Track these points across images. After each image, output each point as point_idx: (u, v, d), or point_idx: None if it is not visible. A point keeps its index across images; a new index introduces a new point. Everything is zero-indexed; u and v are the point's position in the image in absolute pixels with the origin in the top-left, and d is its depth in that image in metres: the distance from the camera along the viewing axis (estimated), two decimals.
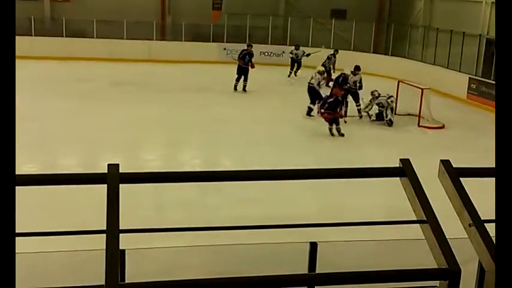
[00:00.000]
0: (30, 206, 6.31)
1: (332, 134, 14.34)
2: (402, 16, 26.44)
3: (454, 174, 2.63)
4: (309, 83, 16.60)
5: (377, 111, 15.93)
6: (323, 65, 20.38)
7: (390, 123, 15.64)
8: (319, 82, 16.52)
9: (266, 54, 26.02)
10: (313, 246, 3.31)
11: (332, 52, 22.03)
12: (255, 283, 2.26)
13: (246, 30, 26.10)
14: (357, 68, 16.93)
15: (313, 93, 16.32)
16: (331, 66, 21.41)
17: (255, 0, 26.52)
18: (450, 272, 2.29)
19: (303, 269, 3.31)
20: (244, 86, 19.37)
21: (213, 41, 25.94)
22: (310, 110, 16.13)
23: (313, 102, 16.17)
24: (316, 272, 3.24)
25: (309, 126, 15.18)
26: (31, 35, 23.81)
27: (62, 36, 24.63)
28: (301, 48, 22.86)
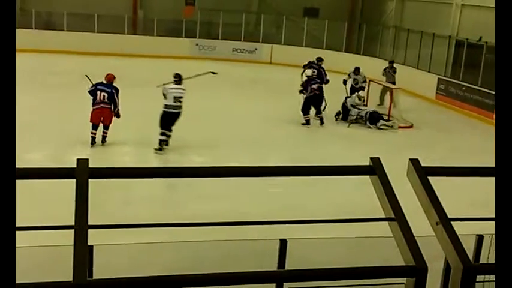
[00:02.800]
0: None
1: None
2: (374, 16, 26.69)
3: (422, 172, 2.67)
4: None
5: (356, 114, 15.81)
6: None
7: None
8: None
9: (238, 51, 26.03)
10: (283, 243, 3.32)
11: (387, 65, 19.15)
12: (223, 279, 2.26)
13: (219, 27, 26.04)
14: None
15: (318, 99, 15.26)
16: (392, 79, 18.33)
17: None
18: (417, 270, 2.33)
19: (271, 266, 3.31)
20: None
21: (185, 37, 25.84)
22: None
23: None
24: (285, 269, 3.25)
25: (285, 123, 15.20)
26: None
27: (32, 28, 24.23)
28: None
